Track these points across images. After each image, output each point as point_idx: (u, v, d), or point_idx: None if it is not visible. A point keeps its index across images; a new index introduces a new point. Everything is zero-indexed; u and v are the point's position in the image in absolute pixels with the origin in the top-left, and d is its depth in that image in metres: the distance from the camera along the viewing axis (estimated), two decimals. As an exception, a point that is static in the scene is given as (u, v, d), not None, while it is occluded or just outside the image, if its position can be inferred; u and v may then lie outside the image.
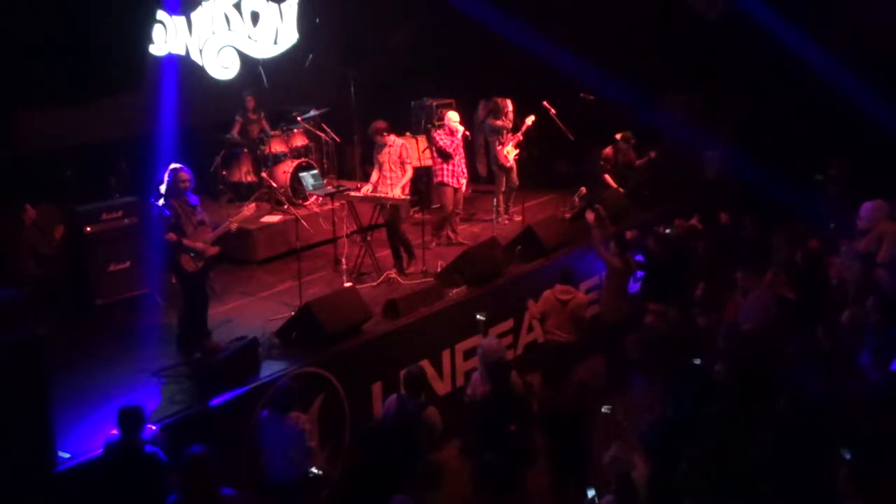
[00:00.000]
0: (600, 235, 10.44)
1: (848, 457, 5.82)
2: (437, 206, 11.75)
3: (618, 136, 12.64)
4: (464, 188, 11.72)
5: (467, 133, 11.62)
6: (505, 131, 12.17)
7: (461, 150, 11.54)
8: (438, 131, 11.54)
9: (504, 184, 12.33)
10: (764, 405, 6.65)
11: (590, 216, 10.69)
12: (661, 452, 6.53)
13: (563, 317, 9.31)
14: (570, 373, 7.87)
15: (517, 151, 12.21)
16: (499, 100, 12.34)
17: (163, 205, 8.38)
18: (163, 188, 8.39)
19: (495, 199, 12.43)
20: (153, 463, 6.31)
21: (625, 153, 12.77)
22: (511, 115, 12.37)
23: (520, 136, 12.11)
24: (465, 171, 11.63)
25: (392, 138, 10.65)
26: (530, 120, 12.00)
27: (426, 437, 7.28)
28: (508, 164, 12.16)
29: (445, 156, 11.34)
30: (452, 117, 11.50)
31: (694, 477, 6.08)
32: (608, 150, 12.81)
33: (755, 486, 6.00)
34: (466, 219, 12.49)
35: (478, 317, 8.95)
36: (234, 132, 12.50)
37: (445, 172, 11.40)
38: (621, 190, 12.64)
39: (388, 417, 7.43)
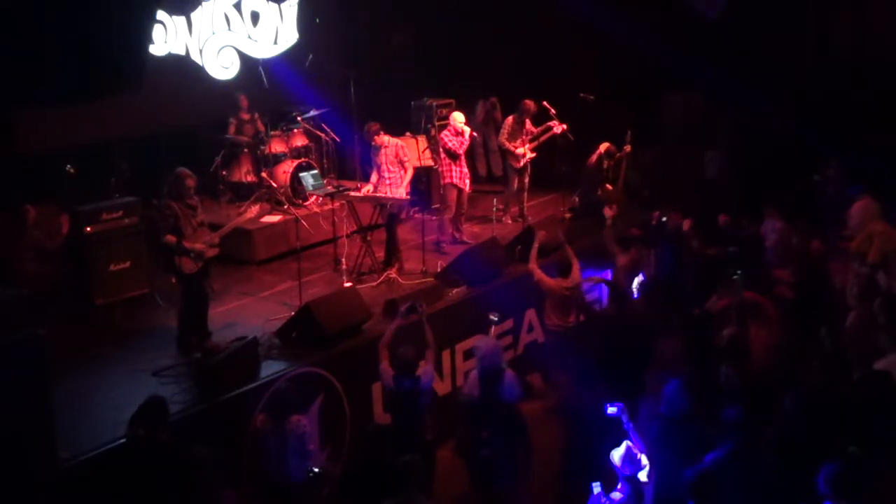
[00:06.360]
0: (611, 235, 10.54)
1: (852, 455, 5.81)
2: (437, 206, 11.70)
3: (602, 149, 12.35)
4: (467, 188, 11.70)
5: (474, 133, 11.61)
6: (525, 133, 12.05)
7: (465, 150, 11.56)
8: (445, 132, 11.50)
9: (515, 184, 12.26)
10: (771, 405, 6.65)
11: (608, 212, 10.94)
12: (667, 453, 6.53)
13: (567, 305, 9.47)
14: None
15: (534, 155, 12.14)
16: (527, 102, 12.06)
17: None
18: None
19: (495, 199, 12.40)
20: (172, 457, 6.30)
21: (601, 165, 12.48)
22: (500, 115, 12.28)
23: (536, 135, 12.04)
24: (468, 171, 11.65)
25: (386, 139, 10.64)
26: (559, 129, 11.93)
27: (428, 402, 7.41)
28: (519, 165, 12.12)
29: (454, 156, 11.32)
30: (458, 118, 11.50)
31: (709, 479, 6.10)
32: (592, 162, 12.44)
33: (763, 484, 6.00)
34: (467, 218, 12.48)
35: (490, 316, 8.94)
36: (230, 133, 12.48)
37: (454, 174, 11.38)
38: (609, 187, 12.43)
39: (387, 389, 7.66)
